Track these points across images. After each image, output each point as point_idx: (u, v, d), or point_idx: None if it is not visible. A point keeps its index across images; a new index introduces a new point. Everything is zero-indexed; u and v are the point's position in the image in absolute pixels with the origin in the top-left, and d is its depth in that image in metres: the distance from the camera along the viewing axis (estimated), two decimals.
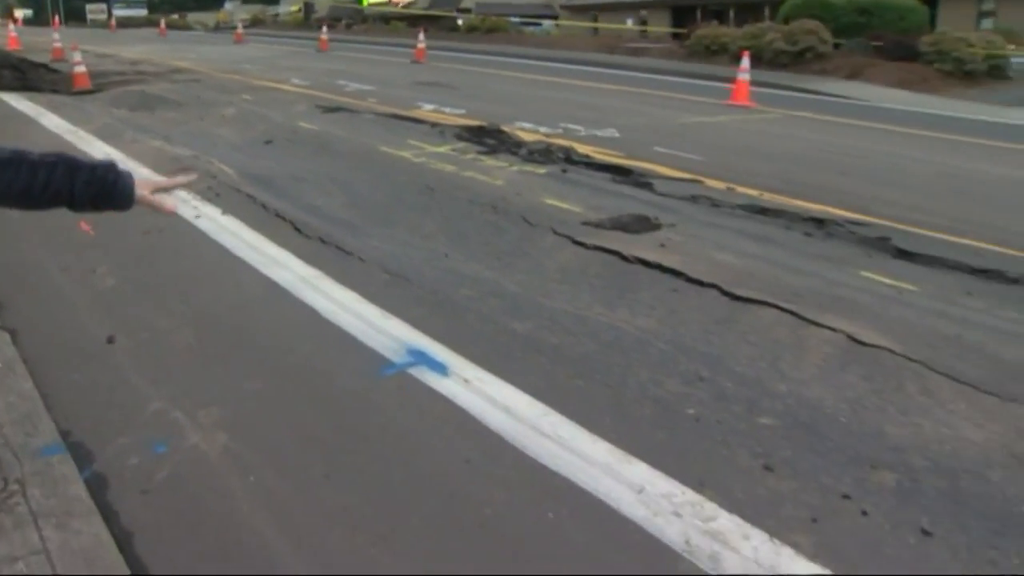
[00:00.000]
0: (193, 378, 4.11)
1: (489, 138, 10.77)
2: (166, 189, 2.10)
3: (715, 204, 7.82)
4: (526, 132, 11.45)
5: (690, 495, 3.25)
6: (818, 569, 2.86)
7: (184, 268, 5.70)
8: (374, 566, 2.83)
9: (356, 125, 11.75)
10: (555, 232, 6.56)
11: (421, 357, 4.32)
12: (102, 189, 1.94)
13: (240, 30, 37.96)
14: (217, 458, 3.44)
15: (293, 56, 26.88)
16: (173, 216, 1.98)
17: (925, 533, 3.07)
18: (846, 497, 3.26)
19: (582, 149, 10.24)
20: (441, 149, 10.14)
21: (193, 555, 2.88)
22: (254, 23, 51.15)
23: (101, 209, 1.98)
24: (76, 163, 1.93)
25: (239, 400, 3.91)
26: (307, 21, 46.93)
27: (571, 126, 12.25)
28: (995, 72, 21.29)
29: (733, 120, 14.22)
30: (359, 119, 12.25)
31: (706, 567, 2.86)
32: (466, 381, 4.08)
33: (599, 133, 11.78)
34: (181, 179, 2.21)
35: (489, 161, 9.52)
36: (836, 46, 23.45)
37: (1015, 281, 5.73)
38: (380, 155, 9.74)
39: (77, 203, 1.93)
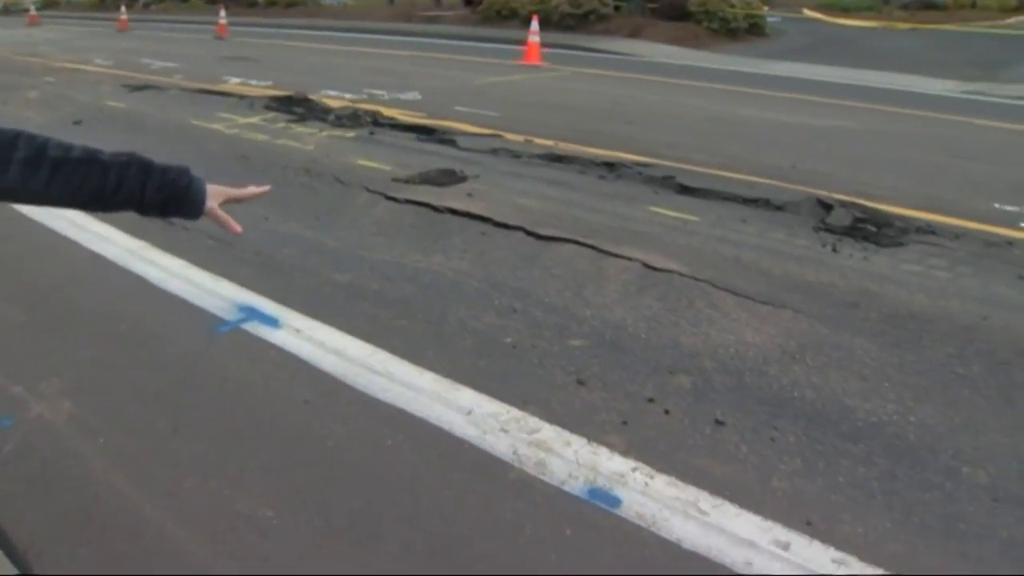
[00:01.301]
0: (28, 353, 4.10)
1: (297, 107, 10.80)
2: (239, 200, 1.97)
3: (515, 155, 8.21)
4: (332, 99, 11.51)
5: (515, 412, 3.58)
6: (631, 463, 3.23)
7: (8, 251, 5.57)
8: (230, 505, 2.99)
9: (165, 101, 11.47)
10: (368, 190, 6.77)
11: (252, 313, 4.47)
12: (173, 194, 1.81)
13: (33, 11, 35.48)
14: (64, 425, 3.48)
15: (92, 36, 25.48)
16: (238, 236, 2.02)
17: (718, 423, 3.53)
18: (650, 400, 3.68)
19: (387, 112, 10.42)
20: (252, 120, 10.09)
21: (52, 516, 2.94)
22: (47, 5, 47.77)
23: (169, 215, 1.85)
24: (149, 165, 1.79)
25: (78, 369, 3.94)
26: (103, 2, 44.23)
27: (375, 91, 12.38)
28: (755, 29, 23.92)
29: (527, 79, 14.69)
30: (167, 96, 11.94)
31: (534, 472, 3.19)
32: (297, 331, 4.27)
33: (402, 96, 11.98)
34: (255, 190, 2.03)
35: (299, 128, 9.58)
36: (616, 8, 24.62)
37: (780, 207, 6.41)
38: (192, 129, 9.62)
39: (146, 207, 1.80)
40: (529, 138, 8.94)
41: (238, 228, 1.94)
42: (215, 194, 1.89)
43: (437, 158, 7.97)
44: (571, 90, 13.29)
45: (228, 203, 1.93)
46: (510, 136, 9.06)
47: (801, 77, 16.03)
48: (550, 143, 8.68)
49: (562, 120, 10.14)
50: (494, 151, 8.32)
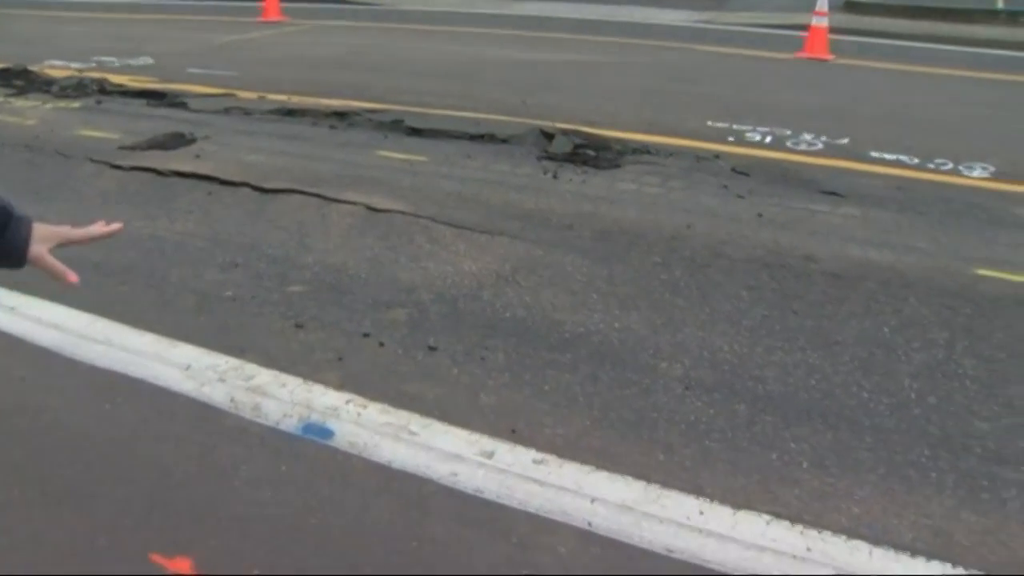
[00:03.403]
0: None
1: (17, 79, 10.07)
2: (80, 242, 1.63)
3: (247, 113, 8.02)
4: (57, 70, 10.82)
5: (233, 362, 3.56)
6: (346, 396, 3.28)
7: None
8: None
9: None
10: (92, 160, 6.46)
11: None
12: None
13: None
14: None
15: None
16: (75, 287, 1.63)
17: (431, 349, 3.62)
18: (366, 335, 3.74)
19: (116, 79, 9.91)
20: None
21: None
22: None
23: None
24: None
25: None
26: None
27: (104, 58, 11.73)
28: None
29: (266, 35, 14.31)
30: None
31: (250, 416, 3.19)
32: (12, 309, 4.06)
33: (133, 62, 11.42)
34: (103, 228, 1.68)
35: (19, 103, 8.96)
36: None
37: (505, 141, 6.58)
38: None
39: None
40: (263, 95, 8.76)
41: (74, 277, 1.61)
42: (45, 236, 1.57)
43: (167, 122, 7.68)
44: (311, 43, 13.07)
45: (66, 246, 1.61)
46: (244, 94, 8.84)
47: (545, 15, 16.36)
48: (284, 98, 8.54)
49: (298, 74, 9.98)
50: (226, 110, 8.11)
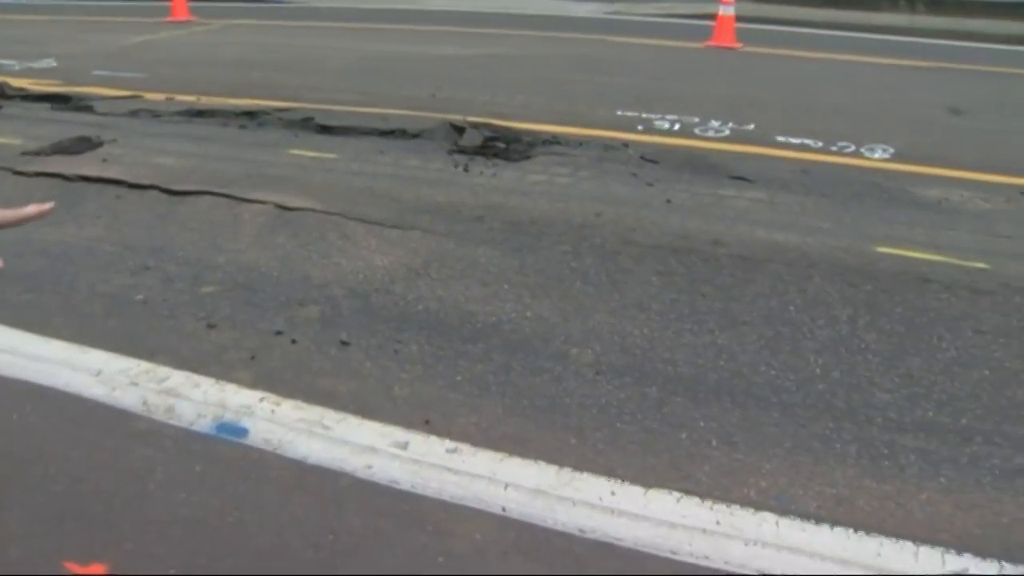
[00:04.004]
0: None
1: None
2: (10, 224, 1.49)
3: (155, 115, 7.90)
4: None
5: (144, 365, 3.53)
6: (259, 394, 3.28)
7: None
8: None
9: None
10: None
11: None
12: None
13: None
14: None
15: None
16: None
17: (344, 344, 3.64)
18: (279, 333, 3.74)
19: (17, 83, 9.64)
20: None
21: None
22: None
23: None
24: None
25: None
26: None
27: (4, 62, 11.41)
28: None
29: (175, 35, 14.08)
30: None
31: (163, 418, 3.17)
32: None
33: (35, 65, 11.13)
34: (35, 209, 1.51)
35: None
36: None
37: (416, 136, 6.61)
38: None
39: None
40: (171, 96, 8.63)
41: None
42: None
43: (73, 126, 7.53)
44: (221, 43, 12.91)
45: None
46: (151, 96, 8.71)
47: (456, 10, 16.39)
48: (192, 99, 8.43)
49: (207, 75, 9.86)
50: (133, 113, 7.98)
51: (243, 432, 3.07)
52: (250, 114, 7.56)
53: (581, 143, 6.40)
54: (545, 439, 3.06)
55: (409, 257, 4.47)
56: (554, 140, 6.46)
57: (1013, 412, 3.30)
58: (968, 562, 2.53)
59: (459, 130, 6.60)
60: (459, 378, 3.41)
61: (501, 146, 6.25)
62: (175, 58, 11.37)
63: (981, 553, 2.56)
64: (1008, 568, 2.50)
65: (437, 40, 12.49)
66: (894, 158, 6.57)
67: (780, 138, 6.99)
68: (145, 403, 3.25)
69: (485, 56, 10.80)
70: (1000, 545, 2.60)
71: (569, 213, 5.02)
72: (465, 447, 2.98)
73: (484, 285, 4.17)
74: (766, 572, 2.48)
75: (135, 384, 3.38)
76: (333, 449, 2.97)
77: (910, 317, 3.98)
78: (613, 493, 2.78)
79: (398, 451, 2.96)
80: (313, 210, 5.07)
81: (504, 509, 2.70)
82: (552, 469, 2.89)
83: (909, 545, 2.58)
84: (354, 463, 2.90)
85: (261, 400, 3.25)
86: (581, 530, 2.61)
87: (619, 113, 7.48)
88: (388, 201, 5.24)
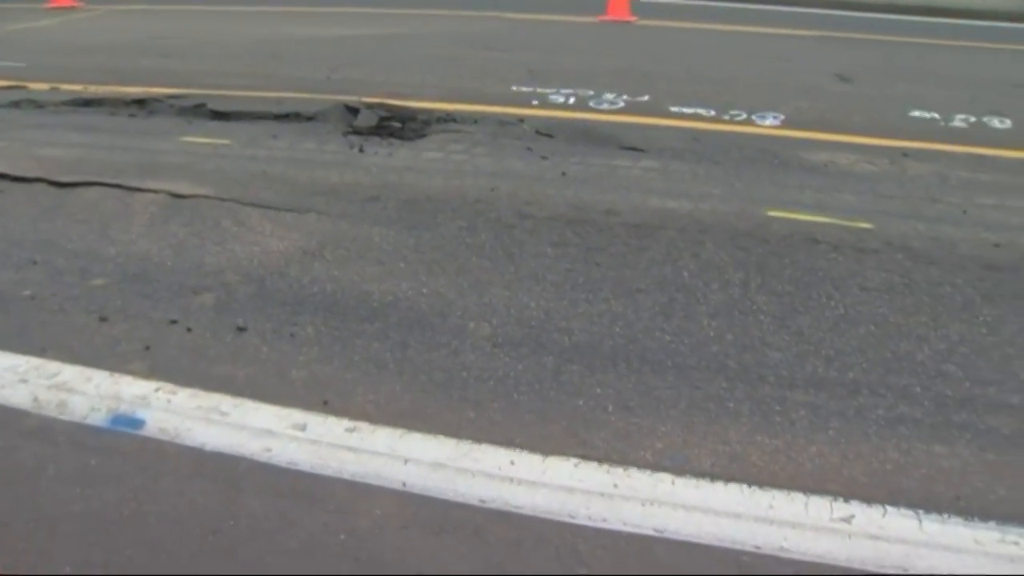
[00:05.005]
0: None
1: None
2: None
3: (39, 105, 7.66)
4: None
5: (34, 362, 3.46)
6: (155, 384, 3.25)
7: None
8: None
9: None
10: None
11: None
12: None
13: None
14: None
15: None
16: None
17: (240, 330, 3.62)
18: (173, 322, 3.70)
19: None
20: None
21: None
22: None
23: None
24: None
25: None
26: None
27: None
28: None
29: (58, 22, 13.65)
30: None
31: (55, 414, 3.12)
32: None
33: None
34: None
35: None
36: None
37: (310, 118, 6.55)
38: None
39: None
40: (56, 85, 8.38)
41: None
42: None
43: None
44: (107, 29, 12.56)
45: None
46: (35, 86, 8.44)
47: None
48: (79, 88, 8.20)
49: (94, 62, 9.59)
50: (16, 104, 7.73)
51: (139, 423, 3.05)
52: (140, 102, 7.40)
53: (476, 120, 6.43)
54: (443, 413, 3.09)
55: (304, 240, 4.45)
56: (449, 118, 6.47)
57: (896, 364, 3.44)
58: (854, 509, 2.64)
59: (354, 111, 6.57)
60: (356, 357, 3.42)
61: (396, 125, 6.25)
62: (59, 46, 11.03)
63: (867, 499, 2.68)
64: (891, 512, 2.62)
65: (330, 21, 12.36)
66: (784, 125, 6.74)
67: (673, 108, 7.11)
68: (36, 400, 3.20)
69: (380, 36, 10.73)
70: (885, 490, 2.73)
71: (464, 189, 5.05)
72: (364, 425, 3.01)
73: (380, 264, 4.18)
74: (662, 529, 2.55)
75: (24, 381, 3.32)
76: (231, 435, 2.97)
77: (799, 277, 4.11)
78: (512, 462, 2.83)
79: (297, 433, 2.97)
80: (207, 197, 5.01)
81: (404, 484, 2.73)
82: (451, 442, 2.94)
83: (799, 496, 2.69)
84: (253, 447, 2.90)
85: (157, 390, 3.22)
86: (481, 500, 2.66)
87: (514, 89, 7.51)
88: (283, 185, 5.20)
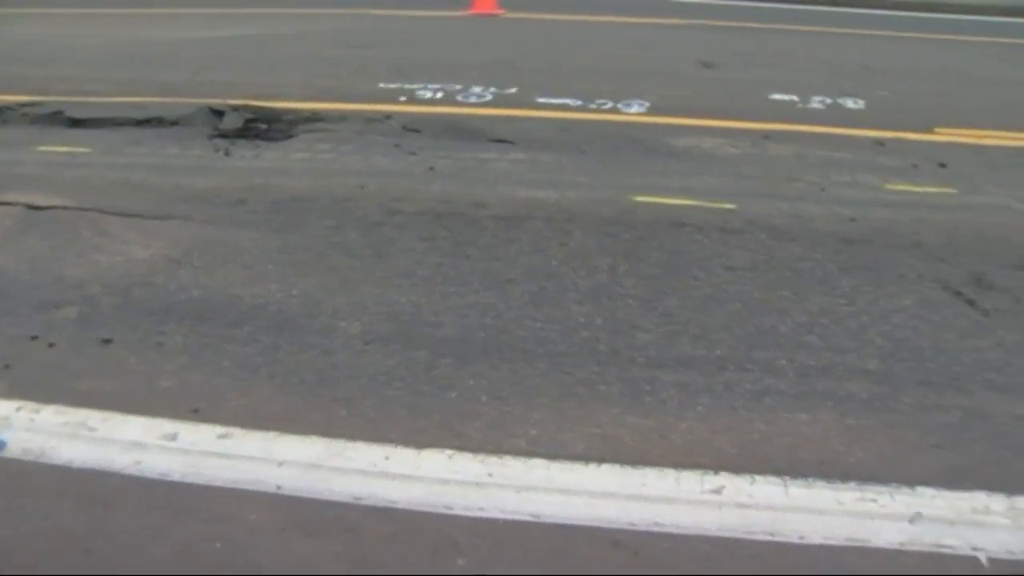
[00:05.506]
0: None
1: None
2: None
3: None
4: None
5: None
6: (16, 403, 3.16)
7: None
8: None
9: None
10: None
11: None
12: None
13: None
14: None
15: None
16: None
17: (105, 342, 3.55)
18: (34, 338, 3.60)
19: None
20: None
21: None
22: None
23: None
24: None
25: None
26: None
27: None
28: None
29: None
30: None
31: None
32: None
33: None
34: None
35: None
36: None
37: (174, 123, 6.43)
38: None
39: None
40: None
41: None
42: None
43: None
44: None
45: None
46: None
47: None
48: None
49: None
50: None
51: (0, 445, 2.96)
52: None
53: (344, 118, 6.41)
54: (316, 413, 3.10)
55: (170, 247, 4.38)
56: (316, 117, 6.44)
57: (761, 339, 3.58)
58: (724, 480, 2.74)
59: (219, 114, 6.48)
60: (226, 363, 3.39)
61: (263, 127, 6.19)
62: None
63: (736, 470, 2.79)
64: (759, 480, 2.74)
65: (193, 23, 12.10)
66: (649, 112, 6.91)
67: (541, 99, 7.21)
68: None
69: (244, 37, 10.57)
70: (752, 460, 2.84)
71: (332, 188, 5.04)
72: (236, 431, 2.99)
73: (248, 268, 4.15)
74: (538, 515, 2.60)
75: None
76: (99, 450, 2.91)
77: (666, 260, 4.23)
78: (386, 458, 2.86)
79: (167, 443, 2.93)
80: (65, 208, 4.87)
81: (279, 487, 2.73)
82: (325, 442, 2.94)
83: (671, 472, 2.78)
84: (122, 461, 2.85)
85: (18, 409, 3.14)
86: (356, 497, 2.67)
87: (381, 85, 7.51)
88: (146, 192, 5.10)
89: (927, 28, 12.51)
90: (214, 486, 2.75)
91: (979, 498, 2.68)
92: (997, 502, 2.66)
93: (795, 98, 7.67)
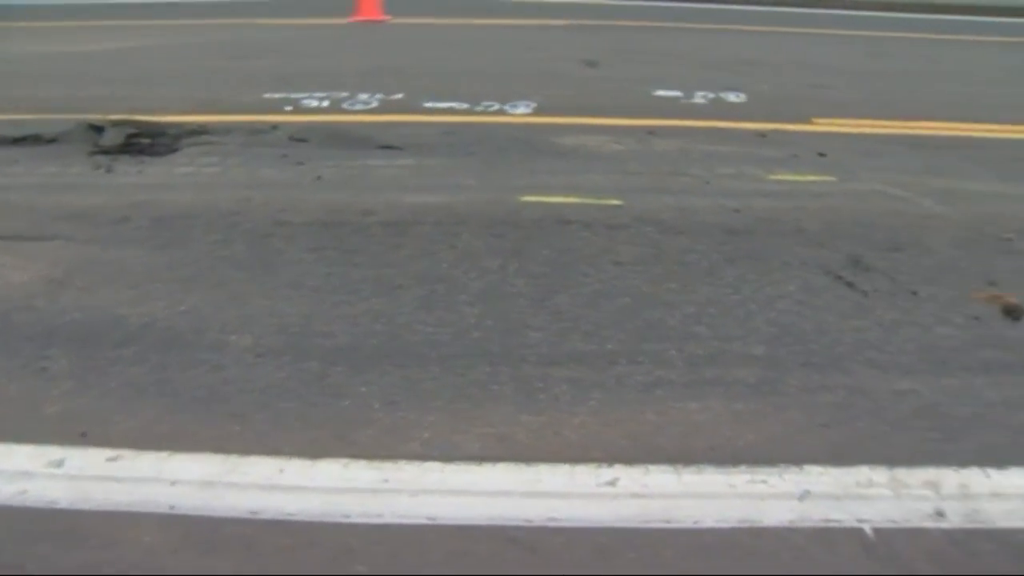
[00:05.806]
0: None
1: None
2: None
3: None
4: None
5: None
6: None
7: None
8: None
9: None
10: None
11: None
12: None
13: None
14: None
15: None
16: None
17: None
18: None
19: None
20: None
21: None
22: None
23: None
24: None
25: None
26: None
27: None
28: None
29: None
30: None
31: None
32: None
33: None
34: None
35: None
36: None
37: (52, 140, 6.27)
38: None
39: None
40: None
41: None
42: None
43: None
44: None
45: None
46: None
47: (88, 3, 15.43)
48: None
49: None
50: None
51: None
52: None
53: (229, 130, 6.35)
54: (208, 430, 3.07)
55: (50, 269, 4.28)
56: (201, 130, 6.36)
57: (650, 332, 3.67)
58: (618, 472, 2.81)
59: (99, 130, 6.34)
60: (114, 384, 3.34)
61: (146, 142, 6.09)
62: None
63: (629, 461, 2.85)
64: (653, 470, 2.81)
65: (72, 36, 11.80)
66: (535, 112, 7.00)
67: (428, 104, 7.25)
68: None
69: (125, 50, 10.35)
70: (645, 451, 2.91)
71: (218, 202, 4.99)
72: (126, 452, 2.94)
73: (133, 287, 4.08)
74: (434, 517, 2.63)
75: None
76: None
77: (555, 258, 4.30)
78: (281, 471, 2.85)
79: (54, 470, 2.87)
80: None
81: (173, 507, 2.70)
82: (218, 458, 2.92)
83: (565, 467, 2.83)
84: (6, 491, 2.79)
85: None
86: (252, 512, 2.66)
87: (266, 96, 7.46)
88: (24, 213, 4.97)
89: (802, 23, 12.93)
90: (105, 510, 2.71)
91: (863, 472, 2.79)
92: (879, 474, 2.78)
93: (679, 94, 7.85)
